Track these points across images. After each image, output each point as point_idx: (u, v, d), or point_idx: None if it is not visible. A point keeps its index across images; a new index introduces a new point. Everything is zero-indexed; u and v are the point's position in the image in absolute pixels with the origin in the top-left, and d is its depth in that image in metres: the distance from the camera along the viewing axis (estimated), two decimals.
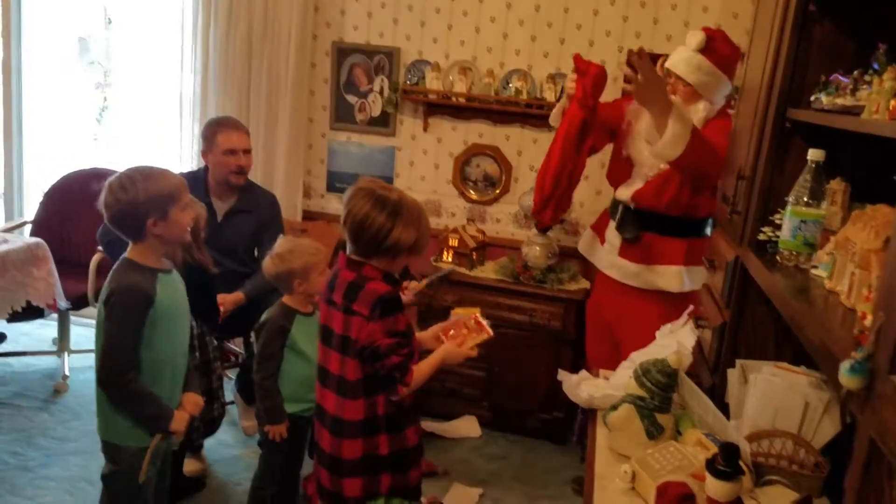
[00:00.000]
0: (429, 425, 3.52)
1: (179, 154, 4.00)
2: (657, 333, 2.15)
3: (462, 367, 3.60)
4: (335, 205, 4.02)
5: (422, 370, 2.00)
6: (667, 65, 2.69)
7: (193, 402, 2.17)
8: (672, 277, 2.72)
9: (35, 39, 4.18)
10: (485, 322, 2.19)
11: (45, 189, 3.93)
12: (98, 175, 3.88)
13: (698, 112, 2.61)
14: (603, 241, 2.91)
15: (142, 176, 1.97)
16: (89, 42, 4.50)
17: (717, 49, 2.57)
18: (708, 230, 2.78)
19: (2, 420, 3.29)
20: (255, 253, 3.28)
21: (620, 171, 2.85)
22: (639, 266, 2.75)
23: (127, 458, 2.05)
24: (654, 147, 2.44)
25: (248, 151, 3.18)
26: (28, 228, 3.82)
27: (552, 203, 2.77)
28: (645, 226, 2.74)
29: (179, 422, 2.07)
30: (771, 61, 1.82)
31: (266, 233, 3.19)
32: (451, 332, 2.17)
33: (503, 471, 3.29)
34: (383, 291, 1.91)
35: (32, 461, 3.00)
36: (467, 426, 3.62)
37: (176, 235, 2.05)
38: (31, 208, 4.12)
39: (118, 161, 4.04)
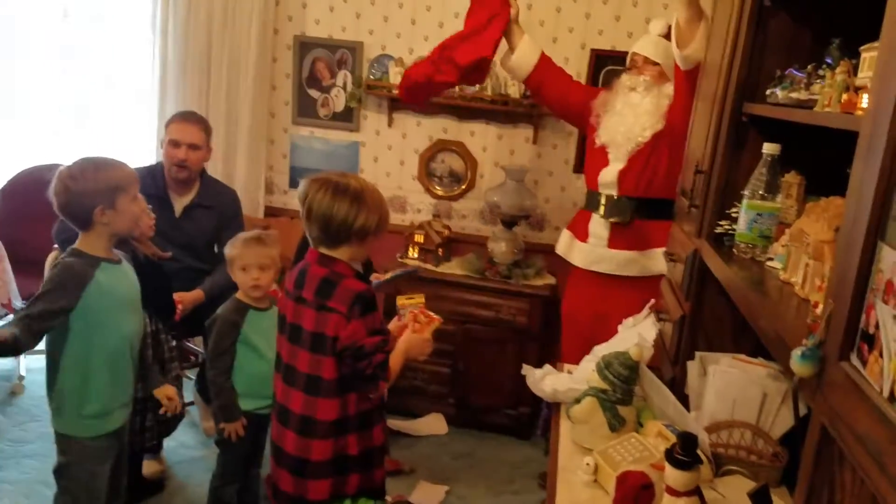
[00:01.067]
0: (395, 423, 3.50)
1: (138, 148, 3.91)
2: (619, 326, 2.17)
3: (427, 364, 3.60)
4: (297, 201, 3.97)
5: (393, 365, 1.99)
6: (634, 49, 2.82)
7: (167, 395, 2.28)
8: (663, 259, 2.75)
9: None
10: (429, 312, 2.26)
11: (0, 186, 3.82)
12: (54, 171, 3.82)
13: (668, 90, 2.75)
14: (584, 237, 2.92)
15: (93, 165, 2.00)
16: (45, 34, 4.39)
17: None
18: None
19: None
20: (216, 249, 3.23)
21: (595, 161, 2.90)
22: (633, 252, 2.80)
23: (77, 449, 2.03)
24: (686, 49, 2.53)
25: (194, 147, 3.06)
26: None
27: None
28: (632, 211, 2.80)
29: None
30: (728, 55, 1.84)
31: (226, 230, 3.13)
32: (408, 327, 2.17)
33: (469, 467, 3.29)
34: (361, 289, 1.90)
35: None
36: (434, 423, 3.61)
37: (124, 226, 2.07)
38: None
39: (74, 156, 3.95)
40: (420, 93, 3.04)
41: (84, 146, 4.20)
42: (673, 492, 1.39)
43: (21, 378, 3.60)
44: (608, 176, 2.81)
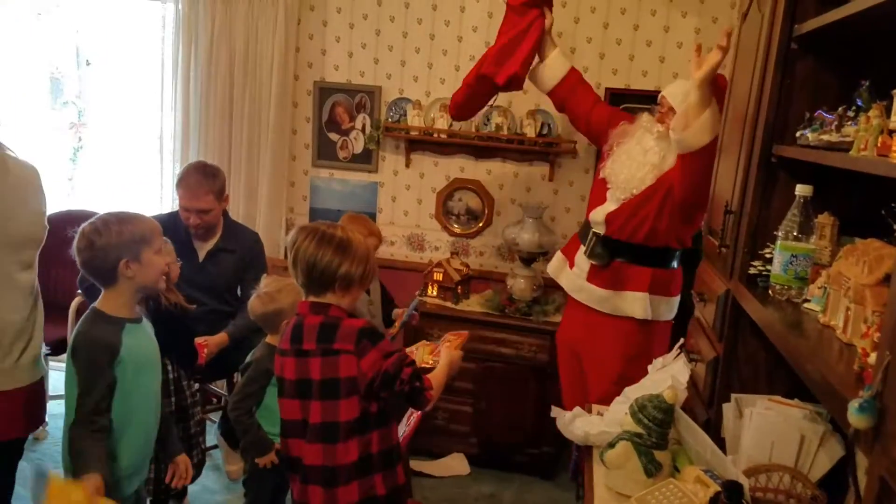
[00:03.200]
0: (417, 464, 3.47)
1: (160, 194, 3.96)
2: (649, 367, 2.15)
3: (448, 403, 3.58)
4: None
5: (437, 377, 2.04)
6: (664, 93, 2.75)
7: (185, 464, 2.18)
8: (636, 303, 2.76)
9: (6, 79, 4.13)
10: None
11: None
12: (75, 217, 3.82)
13: None
14: (572, 264, 2.94)
15: (116, 219, 1.95)
16: (62, 82, 4.47)
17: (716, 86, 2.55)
18: (674, 263, 2.83)
19: None
20: (238, 292, 3.24)
21: (596, 192, 2.92)
22: (606, 291, 2.79)
23: None
24: (681, 133, 2.45)
25: (204, 211, 3.08)
26: None
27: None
28: (614, 252, 2.79)
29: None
30: (755, 97, 1.86)
31: (249, 272, 3.15)
32: (438, 349, 2.22)
33: None
34: (361, 324, 1.90)
35: None
36: (456, 464, 3.58)
37: (150, 279, 2.01)
38: None
39: (94, 202, 4.00)
40: (466, 111, 3.18)
41: (105, 193, 4.25)
42: None
43: (45, 424, 3.58)
44: (599, 215, 2.82)
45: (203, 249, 3.18)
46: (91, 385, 1.90)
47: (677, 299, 2.87)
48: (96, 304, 1.99)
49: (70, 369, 1.94)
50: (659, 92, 2.81)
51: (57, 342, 3.44)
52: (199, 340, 2.90)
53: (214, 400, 3.66)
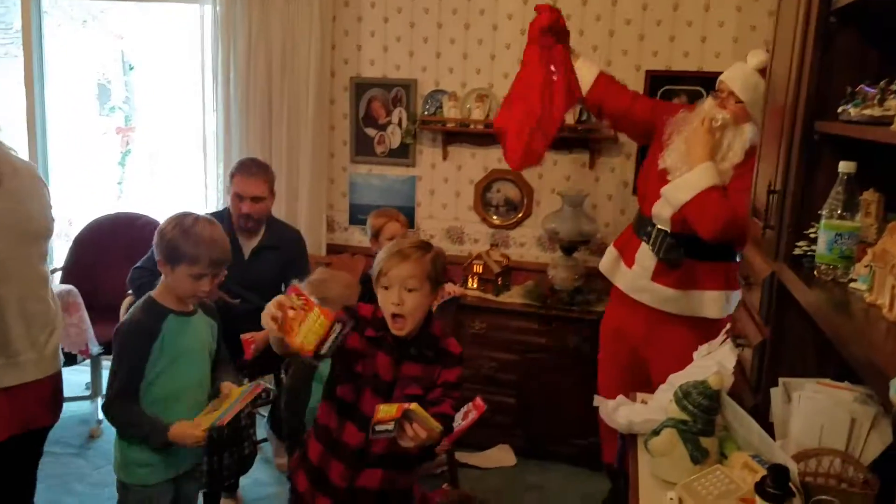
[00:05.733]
0: (463, 456, 3.48)
1: (205, 194, 4.04)
2: (694, 354, 2.12)
3: (493, 395, 3.58)
4: (358, 237, 4.04)
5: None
6: (722, 78, 2.63)
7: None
8: (714, 303, 2.66)
9: (57, 87, 4.27)
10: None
11: (72, 236, 3.98)
12: (124, 220, 3.97)
13: (744, 133, 2.58)
14: (630, 262, 2.84)
15: (192, 225, 2.03)
16: (109, 87, 4.60)
17: None
18: (738, 255, 2.74)
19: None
20: (282, 289, 3.29)
21: (653, 184, 2.75)
22: (677, 292, 2.67)
23: (132, 497, 2.07)
24: (671, 185, 2.52)
25: (257, 199, 3.13)
26: (58, 276, 3.86)
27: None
28: (686, 251, 2.67)
29: (178, 434, 2.01)
30: (795, 74, 1.81)
31: (292, 269, 3.20)
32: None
33: (542, 500, 3.24)
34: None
35: None
36: (502, 455, 3.58)
37: (178, 291, 2.07)
38: (59, 255, 4.17)
39: (143, 205, 4.10)
40: (532, 160, 2.93)
41: (153, 196, 4.36)
42: None
43: (99, 422, 3.71)
44: (665, 211, 2.69)
45: (248, 247, 3.24)
46: (120, 365, 2.01)
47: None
48: (152, 291, 2.11)
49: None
50: (700, 72, 2.76)
51: (109, 342, 3.54)
52: (245, 336, 2.96)
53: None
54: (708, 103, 2.67)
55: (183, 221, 2.03)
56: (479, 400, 3.05)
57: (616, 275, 2.89)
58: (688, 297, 2.68)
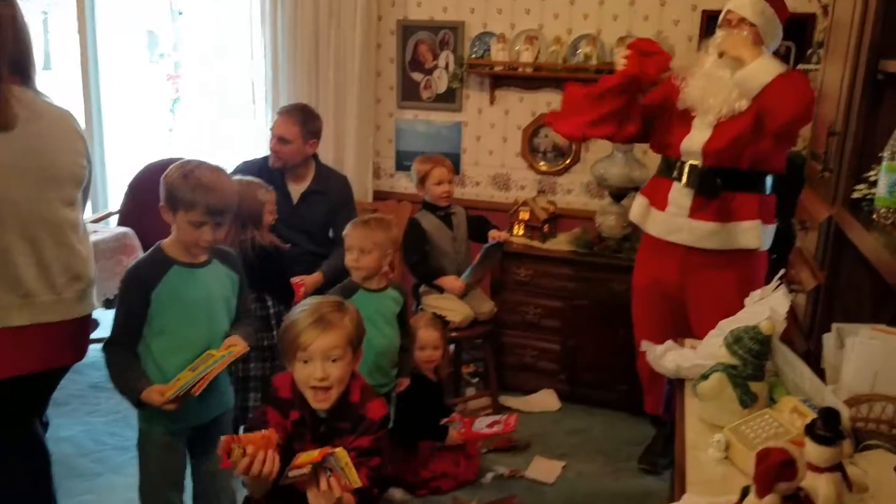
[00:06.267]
0: (506, 400, 3.54)
1: (254, 140, 4.08)
2: (746, 301, 2.09)
3: (537, 341, 3.61)
4: (404, 183, 4.05)
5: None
6: (730, 7, 2.65)
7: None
8: (749, 233, 2.63)
9: (108, 35, 4.32)
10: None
11: (127, 181, 4.07)
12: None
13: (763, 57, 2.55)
14: (663, 205, 2.79)
15: (196, 169, 1.95)
16: (158, 35, 4.63)
17: None
18: (771, 189, 2.71)
19: (99, 402, 3.45)
20: (330, 234, 3.34)
21: (676, 126, 2.73)
22: (716, 224, 2.65)
23: (141, 440, 2.06)
24: (742, 72, 2.44)
25: (283, 140, 3.16)
26: (115, 219, 3.97)
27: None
28: (720, 183, 2.65)
29: (147, 399, 1.92)
30: (859, 12, 1.73)
31: (339, 214, 3.24)
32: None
33: (585, 443, 3.27)
34: None
35: (129, 441, 3.12)
36: (546, 400, 3.62)
37: (182, 239, 2.00)
38: (114, 199, 4.28)
39: (193, 151, 4.17)
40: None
41: (202, 142, 4.43)
42: (815, 468, 1.35)
43: None
44: (694, 144, 2.66)
45: (296, 192, 3.28)
46: (118, 310, 1.97)
47: (774, 227, 2.75)
48: (164, 239, 2.04)
49: None
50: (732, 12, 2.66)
51: None
52: (295, 280, 3.02)
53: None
54: (719, 34, 2.65)
55: (185, 166, 1.96)
56: (512, 419, 3.03)
57: (648, 221, 2.86)
58: (725, 229, 2.66)
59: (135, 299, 1.95)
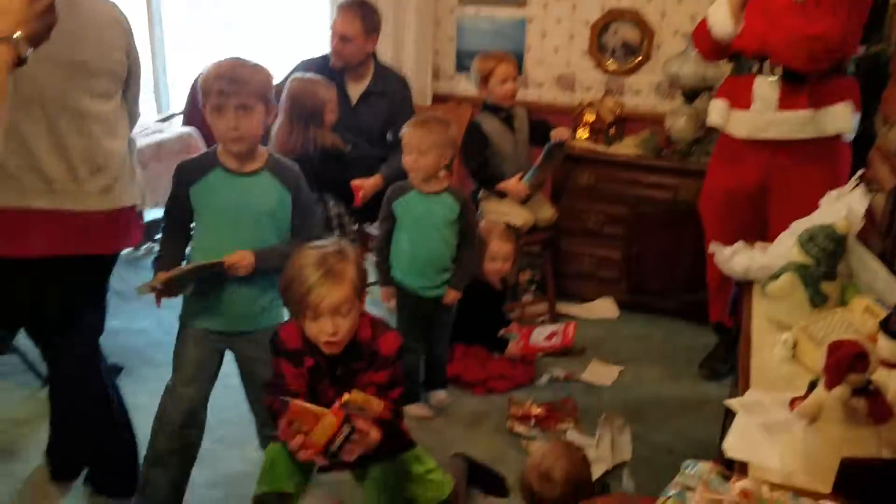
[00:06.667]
0: (565, 307, 3.51)
1: (317, 36, 4.00)
2: (822, 200, 1.98)
3: (597, 249, 3.55)
4: (464, 85, 3.94)
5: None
6: None
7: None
8: (843, 116, 2.49)
9: None
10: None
11: (188, 81, 4.09)
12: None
13: None
14: (746, 104, 2.63)
15: (219, 63, 1.92)
16: None
17: None
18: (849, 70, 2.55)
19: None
20: (389, 137, 3.29)
21: (759, 15, 2.56)
22: (808, 111, 2.51)
23: (180, 332, 2.11)
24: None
25: (344, 38, 3.09)
26: (179, 120, 4.00)
27: None
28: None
29: (158, 275, 1.92)
30: None
31: (398, 115, 3.18)
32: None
33: (644, 350, 3.24)
34: None
35: None
36: (605, 307, 3.59)
37: (215, 133, 1.97)
38: (178, 100, 4.30)
39: (253, 50, 4.13)
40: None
41: (260, 39, 4.38)
42: (888, 364, 1.29)
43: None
44: (780, 29, 2.49)
45: (355, 93, 3.23)
46: (167, 199, 2.03)
47: (859, 117, 2.58)
48: None
49: None
50: None
51: None
52: (355, 183, 3.01)
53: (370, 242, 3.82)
54: None
55: (218, 62, 1.94)
56: (570, 330, 3.03)
57: (730, 124, 2.70)
58: (817, 116, 2.52)
59: (177, 190, 1.99)
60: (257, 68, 1.94)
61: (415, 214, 2.56)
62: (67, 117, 1.86)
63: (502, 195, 3.23)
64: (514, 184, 3.18)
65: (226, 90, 1.86)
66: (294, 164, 2.09)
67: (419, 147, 2.48)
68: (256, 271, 1.95)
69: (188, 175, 1.98)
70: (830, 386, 1.14)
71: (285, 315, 2.03)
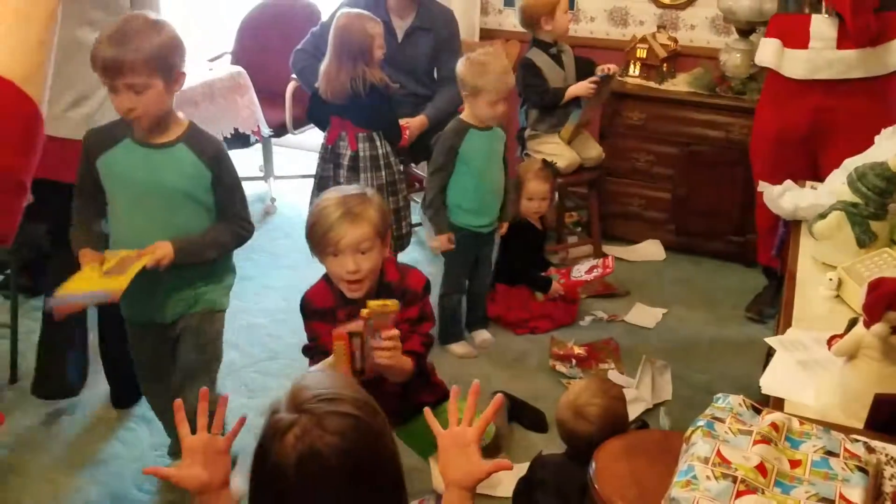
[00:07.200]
0: (610, 248, 3.48)
1: None
2: (876, 138, 1.91)
3: (645, 189, 3.49)
4: (513, 20, 3.84)
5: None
6: None
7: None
8: None
9: None
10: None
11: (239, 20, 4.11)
12: (285, 2, 4.04)
13: None
14: (802, 43, 2.52)
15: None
16: None
17: None
18: None
19: None
20: (435, 74, 3.27)
21: None
22: (868, 49, 2.41)
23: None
24: None
25: None
26: (228, 59, 4.03)
27: None
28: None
29: (84, 256, 1.84)
30: None
31: (444, 52, 3.15)
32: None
33: (689, 292, 3.22)
34: None
35: (253, 272, 3.34)
36: (650, 250, 3.55)
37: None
38: (228, 39, 4.30)
39: None
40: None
41: None
42: None
43: (273, 200, 4.02)
44: None
45: (401, 29, 3.20)
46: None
47: None
48: None
49: None
50: None
51: (277, 126, 3.74)
52: (403, 122, 3.00)
53: (417, 184, 3.82)
54: None
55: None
56: (610, 260, 3.02)
57: (784, 63, 2.59)
58: (875, 53, 2.42)
59: (84, 162, 1.85)
60: (146, 34, 1.70)
61: (482, 151, 2.64)
62: (63, 46, 1.88)
63: (555, 128, 3.19)
64: (584, 85, 3.11)
65: (110, 68, 1.68)
66: (215, 136, 1.95)
67: (508, 98, 2.57)
68: (181, 264, 1.82)
69: (96, 145, 1.82)
70: (870, 323, 1.13)
71: (225, 301, 2.04)
